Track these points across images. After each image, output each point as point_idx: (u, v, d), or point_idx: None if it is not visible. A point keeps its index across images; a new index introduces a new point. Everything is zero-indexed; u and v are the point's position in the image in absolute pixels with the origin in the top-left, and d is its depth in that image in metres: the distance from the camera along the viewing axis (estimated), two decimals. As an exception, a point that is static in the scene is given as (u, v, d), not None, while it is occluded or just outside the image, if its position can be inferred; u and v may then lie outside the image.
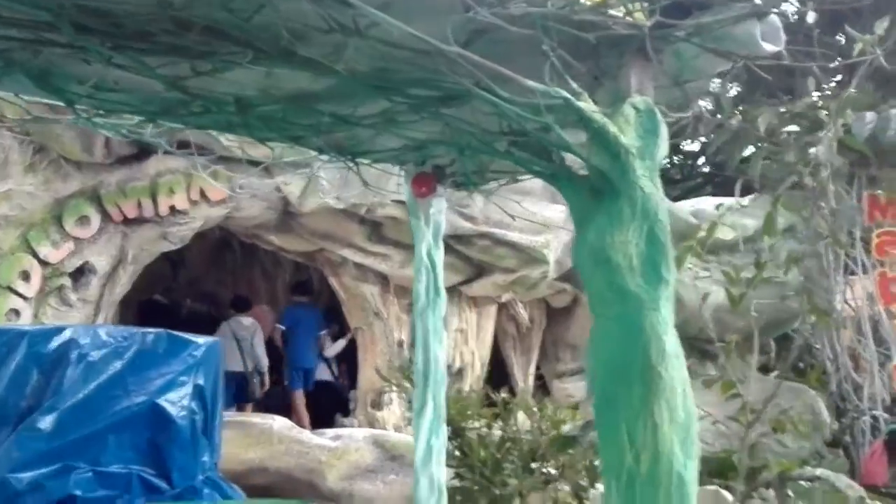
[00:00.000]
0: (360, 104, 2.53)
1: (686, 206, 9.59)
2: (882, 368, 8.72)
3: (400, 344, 8.21)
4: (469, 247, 7.50)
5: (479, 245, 7.53)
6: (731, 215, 9.47)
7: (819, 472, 5.85)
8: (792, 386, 9.70)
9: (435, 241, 3.21)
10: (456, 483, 3.92)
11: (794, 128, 9.16)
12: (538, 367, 9.89)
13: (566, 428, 4.81)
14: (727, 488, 6.95)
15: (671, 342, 2.00)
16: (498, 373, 9.50)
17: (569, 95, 2.01)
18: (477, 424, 5.05)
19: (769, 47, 2.47)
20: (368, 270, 7.01)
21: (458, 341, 8.34)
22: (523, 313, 8.80)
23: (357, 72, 2.20)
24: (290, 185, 6.50)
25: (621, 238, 1.99)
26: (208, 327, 8.42)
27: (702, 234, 9.15)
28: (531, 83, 2.00)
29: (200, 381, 4.94)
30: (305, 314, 9.57)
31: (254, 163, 5.34)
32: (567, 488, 4.59)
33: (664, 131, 2.28)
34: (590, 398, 8.47)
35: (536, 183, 7.71)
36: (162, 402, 4.75)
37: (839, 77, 8.65)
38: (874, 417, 8.66)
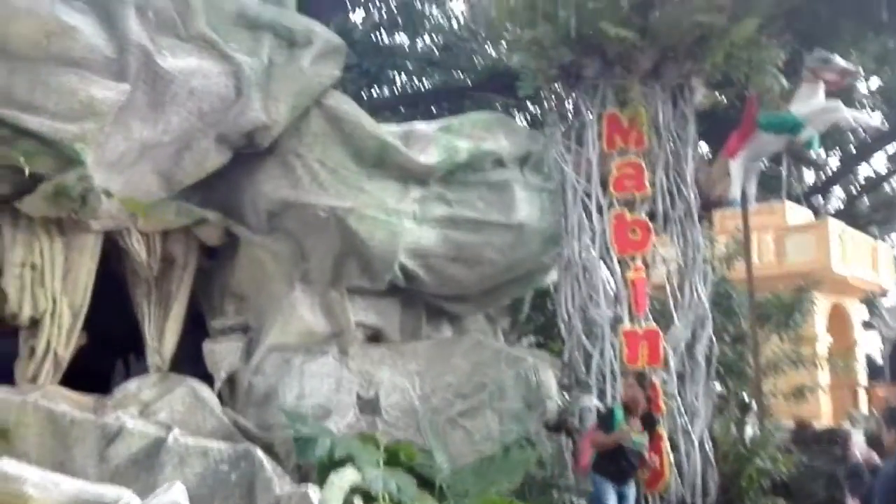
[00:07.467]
0: None
1: (397, 129, 7.66)
2: (613, 332, 7.20)
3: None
4: (-12, 141, 5.14)
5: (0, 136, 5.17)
6: (444, 134, 7.63)
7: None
8: (510, 353, 8.14)
9: None
10: None
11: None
12: (201, 322, 7.78)
13: None
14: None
15: None
16: (131, 328, 7.30)
17: None
18: None
19: None
20: None
21: (28, 281, 6.04)
22: (137, 248, 6.52)
23: None
24: None
25: None
26: None
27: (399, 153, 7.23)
28: None
29: None
30: None
31: None
32: None
33: None
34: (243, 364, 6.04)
35: (95, 53, 5.45)
36: None
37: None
38: (601, 393, 7.15)
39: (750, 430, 8.47)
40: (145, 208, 6.04)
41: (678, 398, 7.13)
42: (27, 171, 4.18)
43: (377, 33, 15.48)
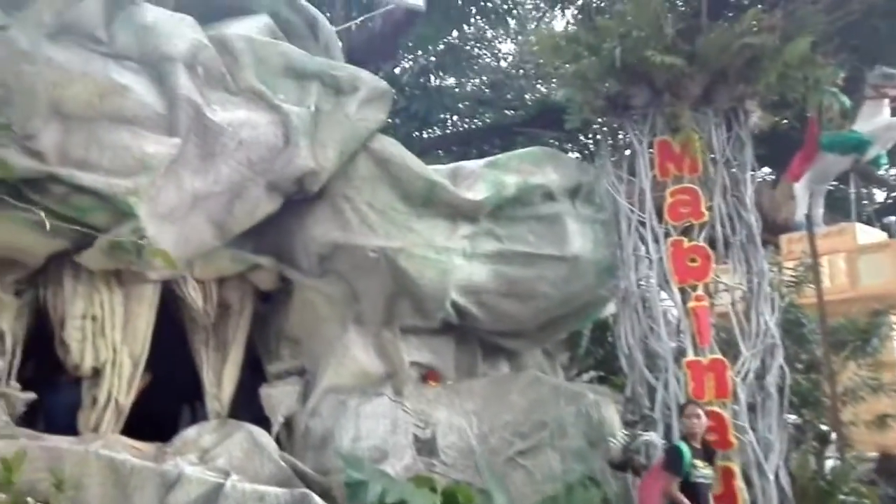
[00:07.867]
0: None
1: (444, 168, 7.68)
2: (677, 364, 6.93)
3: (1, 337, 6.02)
4: (45, 196, 5.36)
5: (56, 193, 5.38)
6: (490, 170, 7.58)
7: None
8: (570, 389, 7.91)
9: None
10: None
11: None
12: (259, 367, 7.82)
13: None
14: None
15: None
16: (191, 374, 7.37)
17: None
18: None
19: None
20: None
21: (89, 332, 6.24)
22: (194, 295, 6.64)
23: None
24: None
25: None
26: None
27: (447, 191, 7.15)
28: None
29: None
30: None
31: None
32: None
33: None
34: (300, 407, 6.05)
35: (146, 110, 5.61)
36: None
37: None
38: (667, 428, 6.85)
39: (830, 463, 8.00)
40: (178, 260, 6.11)
41: (750, 431, 6.79)
42: (47, 225, 4.31)
43: (426, 77, 15.69)
